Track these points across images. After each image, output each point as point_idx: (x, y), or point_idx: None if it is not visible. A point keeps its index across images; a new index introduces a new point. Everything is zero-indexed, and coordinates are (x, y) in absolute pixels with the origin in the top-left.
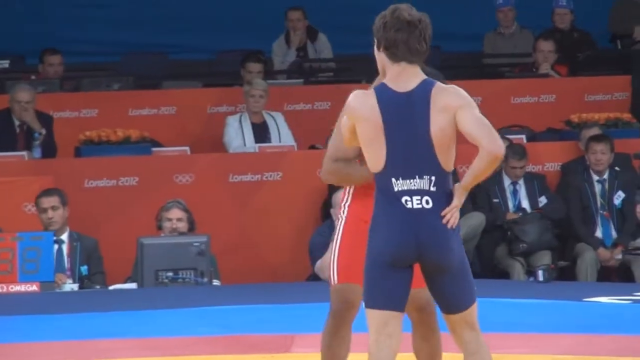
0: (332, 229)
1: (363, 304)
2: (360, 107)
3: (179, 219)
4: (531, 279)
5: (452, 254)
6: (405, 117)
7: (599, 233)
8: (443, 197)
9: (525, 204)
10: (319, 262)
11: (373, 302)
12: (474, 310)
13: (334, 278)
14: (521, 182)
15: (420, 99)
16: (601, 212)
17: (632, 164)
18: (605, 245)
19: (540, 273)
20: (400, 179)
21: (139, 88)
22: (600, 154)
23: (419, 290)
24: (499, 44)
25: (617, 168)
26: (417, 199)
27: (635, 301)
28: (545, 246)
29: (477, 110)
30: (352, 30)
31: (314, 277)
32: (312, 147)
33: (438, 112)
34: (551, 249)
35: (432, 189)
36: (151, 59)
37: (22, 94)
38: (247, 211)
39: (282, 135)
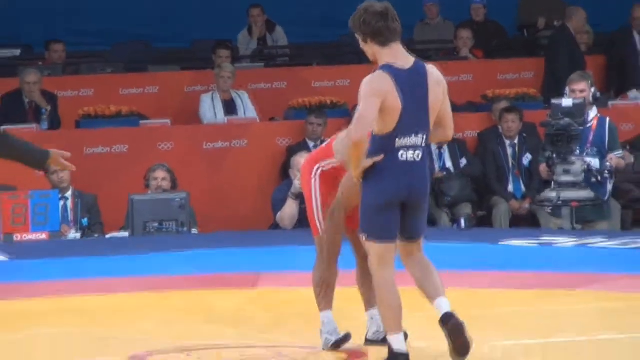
0: (289, 186)
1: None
2: (384, 85)
3: (163, 179)
4: (455, 226)
5: (427, 196)
6: (412, 88)
7: (510, 188)
8: (426, 151)
9: (449, 164)
10: (279, 214)
11: (374, 235)
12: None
13: (321, 227)
14: (445, 146)
15: (419, 74)
16: (512, 171)
17: (537, 131)
18: (516, 198)
19: (462, 221)
20: (402, 137)
21: (128, 71)
22: (511, 122)
23: None
24: (426, 32)
25: (524, 134)
26: (411, 153)
27: (540, 244)
28: (466, 199)
29: None
30: (304, 23)
31: (275, 226)
32: (272, 119)
33: (434, 84)
34: (471, 201)
35: (422, 144)
36: (137, 47)
37: (30, 77)
38: (219, 172)
39: (247, 109)
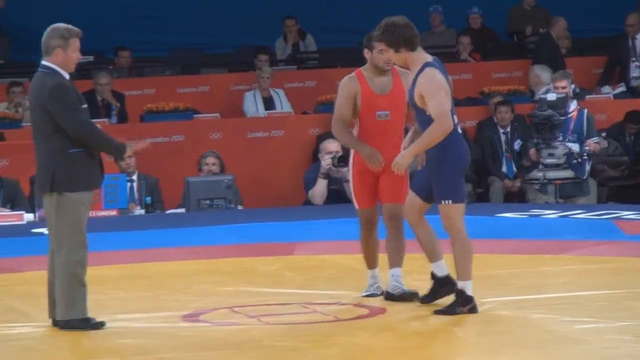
0: (318, 168)
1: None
2: (441, 77)
3: (213, 164)
4: None
5: None
6: (445, 76)
7: (504, 169)
8: None
9: None
10: (310, 191)
11: (460, 198)
12: None
13: (356, 204)
14: None
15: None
16: (505, 154)
17: (526, 121)
18: (509, 178)
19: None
20: (454, 115)
21: (184, 74)
22: (504, 114)
23: (395, 205)
24: (432, 38)
25: (515, 124)
26: (460, 127)
27: (530, 216)
28: (466, 179)
29: None
30: (330, 32)
31: (307, 203)
32: (304, 112)
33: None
34: (471, 181)
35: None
36: (191, 53)
37: (102, 79)
38: (260, 158)
39: (283, 105)
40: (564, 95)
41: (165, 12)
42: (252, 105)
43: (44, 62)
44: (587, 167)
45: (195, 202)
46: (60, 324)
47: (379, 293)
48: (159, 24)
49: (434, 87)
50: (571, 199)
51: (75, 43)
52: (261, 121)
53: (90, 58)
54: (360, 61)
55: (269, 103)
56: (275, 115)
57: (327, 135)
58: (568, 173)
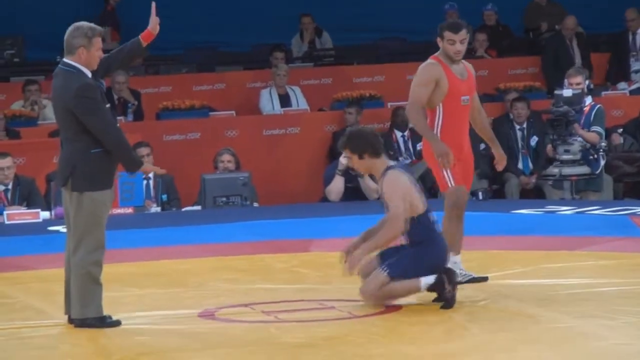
0: (337, 165)
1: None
2: (404, 177)
3: (229, 161)
4: (474, 198)
5: None
6: None
7: (520, 165)
8: None
9: None
10: (327, 188)
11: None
12: None
13: (450, 182)
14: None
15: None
16: (522, 150)
17: (542, 117)
18: (525, 174)
19: (480, 194)
20: (428, 214)
21: (199, 72)
22: (520, 110)
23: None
24: None
25: (532, 120)
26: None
27: (546, 212)
28: (483, 175)
29: None
30: (346, 29)
31: (324, 199)
32: (320, 109)
33: None
34: (487, 177)
35: None
36: (206, 52)
37: (119, 77)
38: (276, 155)
39: (299, 102)
40: (579, 91)
41: (181, 11)
42: (268, 102)
43: (66, 61)
44: (602, 163)
45: (211, 199)
46: (76, 323)
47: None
48: (174, 23)
49: (392, 191)
50: (586, 194)
51: (98, 42)
52: (277, 118)
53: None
54: (376, 58)
55: (285, 100)
56: (291, 113)
57: (344, 132)
58: (583, 169)
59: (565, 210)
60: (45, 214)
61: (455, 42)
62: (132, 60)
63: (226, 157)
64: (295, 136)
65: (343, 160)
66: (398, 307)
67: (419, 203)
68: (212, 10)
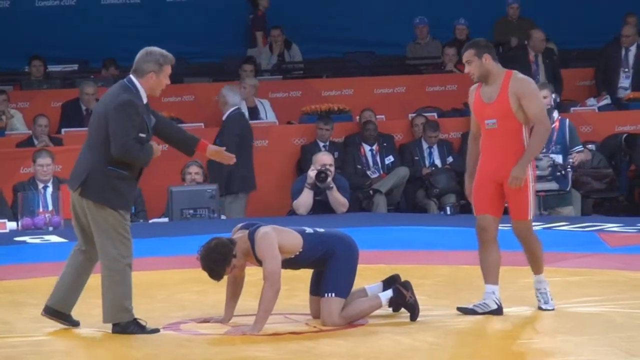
0: (305, 179)
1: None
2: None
3: (196, 173)
4: (442, 212)
5: None
6: None
7: None
8: None
9: (437, 161)
10: (295, 201)
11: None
12: None
13: (473, 209)
14: (435, 146)
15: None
16: None
17: None
18: None
19: (448, 209)
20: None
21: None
22: None
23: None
24: (417, 49)
25: None
26: None
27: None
28: (451, 190)
29: None
30: (315, 42)
31: (292, 213)
32: (289, 122)
33: None
34: (455, 192)
35: None
36: (176, 63)
37: (88, 88)
38: None
39: (268, 115)
40: (547, 106)
41: (151, 22)
42: None
43: (132, 78)
44: (570, 179)
45: (179, 211)
46: (116, 329)
47: (479, 311)
48: (143, 35)
49: (266, 251)
50: (555, 210)
51: (168, 69)
52: None
53: (75, 67)
54: (345, 71)
55: (253, 113)
56: (260, 125)
57: (312, 145)
58: (552, 185)
59: (534, 225)
60: (12, 225)
61: (465, 64)
62: (171, 145)
63: (194, 169)
64: (264, 149)
65: (311, 173)
66: (364, 320)
67: (294, 240)
68: (182, 22)
